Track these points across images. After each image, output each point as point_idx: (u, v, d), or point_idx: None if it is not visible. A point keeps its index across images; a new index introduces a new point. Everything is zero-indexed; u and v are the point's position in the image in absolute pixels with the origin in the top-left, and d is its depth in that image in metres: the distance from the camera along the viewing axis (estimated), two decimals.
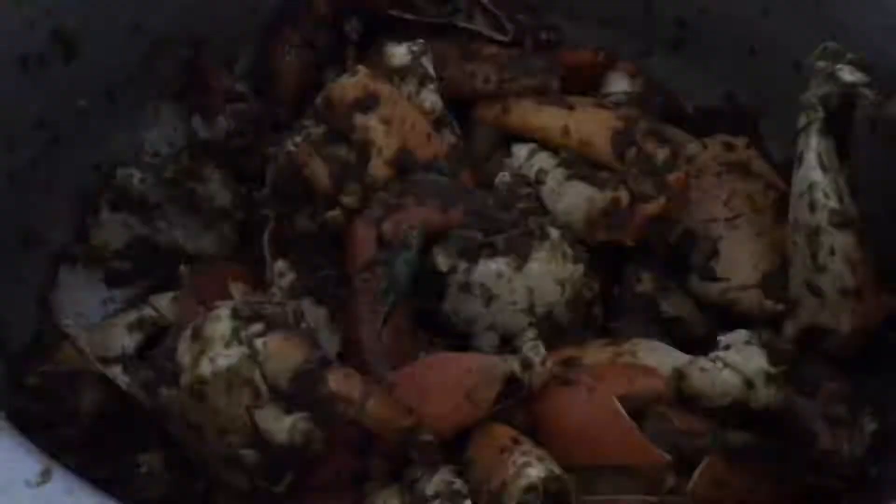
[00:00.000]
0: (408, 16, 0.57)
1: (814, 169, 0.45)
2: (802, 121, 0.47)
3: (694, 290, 0.51)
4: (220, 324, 0.35)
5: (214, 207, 0.54)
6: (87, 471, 0.40)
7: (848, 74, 0.44)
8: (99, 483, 0.40)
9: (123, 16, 0.51)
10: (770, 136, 0.59)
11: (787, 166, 0.52)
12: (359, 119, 0.48)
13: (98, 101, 0.52)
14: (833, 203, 0.45)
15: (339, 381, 0.35)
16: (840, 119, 0.46)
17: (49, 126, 0.48)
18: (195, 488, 0.41)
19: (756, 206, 0.52)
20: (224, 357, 0.34)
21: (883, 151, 0.46)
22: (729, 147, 0.56)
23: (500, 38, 0.57)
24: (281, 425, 0.34)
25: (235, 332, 0.35)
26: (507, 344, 0.47)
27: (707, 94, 0.61)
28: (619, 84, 0.57)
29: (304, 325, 0.37)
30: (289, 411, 0.34)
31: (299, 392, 0.34)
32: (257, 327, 0.35)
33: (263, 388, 0.34)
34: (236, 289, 0.36)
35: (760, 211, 0.52)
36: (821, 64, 0.46)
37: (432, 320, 0.47)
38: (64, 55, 0.47)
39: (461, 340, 0.47)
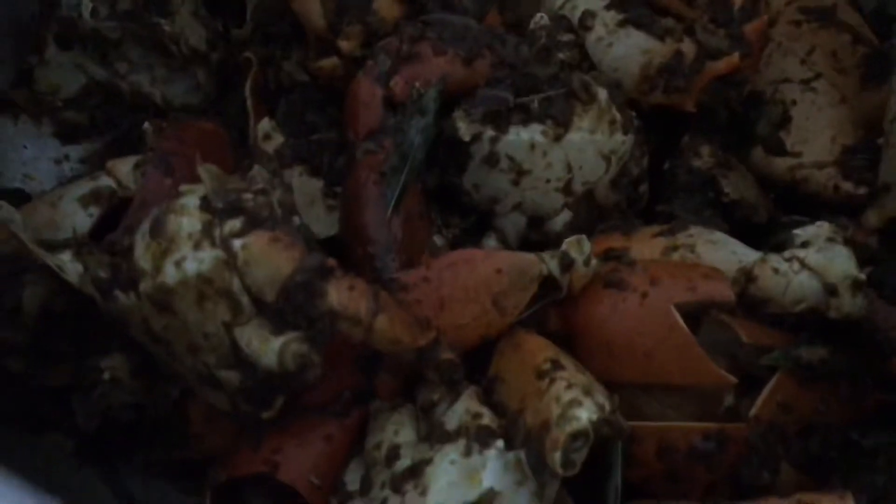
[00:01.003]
0: None
1: None
2: None
3: (756, 166, 0.45)
4: (188, 218, 0.27)
5: (185, 47, 0.46)
6: (38, 378, 0.34)
7: None
8: (57, 395, 0.34)
9: None
10: None
11: (880, 12, 0.46)
12: None
13: None
14: None
15: (341, 295, 0.27)
16: None
17: None
18: (168, 393, 0.35)
19: (840, 66, 0.46)
20: (193, 261, 0.27)
21: None
22: None
23: None
24: (268, 346, 0.27)
25: (207, 230, 0.27)
26: (537, 228, 0.41)
27: None
28: None
29: (295, 218, 0.29)
30: (278, 330, 0.27)
31: (291, 307, 0.27)
32: (235, 224, 0.27)
33: (245, 300, 0.27)
34: (208, 171, 0.28)
35: (845, 72, 0.45)
36: None
37: (448, 196, 0.41)
38: None
39: (480, 221, 0.41)
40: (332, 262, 0.28)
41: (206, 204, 0.27)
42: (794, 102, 0.45)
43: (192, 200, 0.28)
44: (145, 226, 0.28)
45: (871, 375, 0.39)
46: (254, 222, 0.27)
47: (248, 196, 0.28)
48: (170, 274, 0.28)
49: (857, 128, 0.44)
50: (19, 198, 0.43)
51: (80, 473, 0.37)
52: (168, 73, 0.47)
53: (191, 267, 0.28)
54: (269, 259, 0.28)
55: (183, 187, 0.28)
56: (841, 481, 0.37)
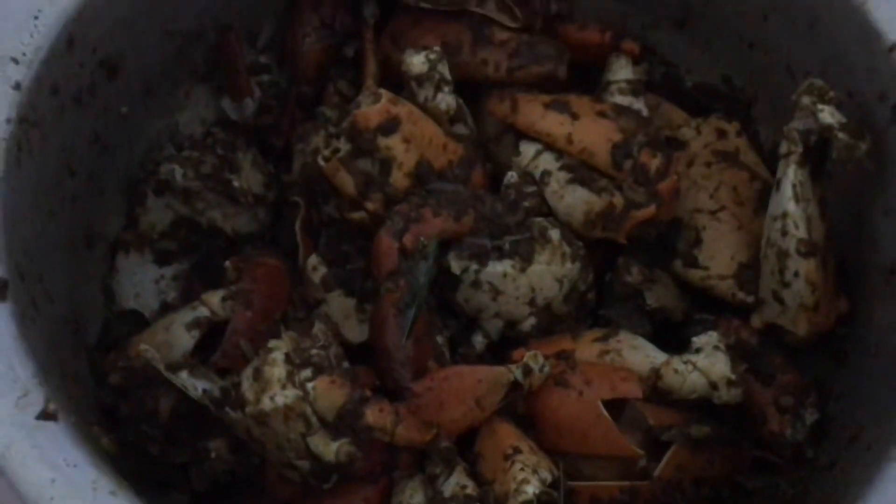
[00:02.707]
0: (423, 3, 0.60)
1: (789, 200, 0.51)
2: (784, 148, 0.52)
3: (676, 273, 0.57)
4: (277, 368, 0.43)
5: (250, 196, 0.58)
6: (167, 457, 0.50)
7: (828, 116, 0.48)
8: (179, 467, 0.50)
9: (155, 29, 0.54)
10: (761, 119, 0.63)
11: (773, 151, 0.56)
12: (382, 141, 0.53)
13: (136, 102, 0.56)
14: (802, 234, 0.50)
15: (375, 415, 0.43)
16: (818, 150, 0.51)
17: (99, 139, 0.53)
18: (252, 461, 0.50)
19: (739, 199, 0.57)
20: (281, 397, 0.42)
21: (851, 177, 0.51)
22: (721, 133, 0.61)
23: (510, 23, 0.60)
24: (329, 449, 0.43)
25: (290, 376, 0.42)
26: (511, 328, 0.55)
27: (706, 74, 0.64)
28: (622, 72, 0.60)
29: (345, 364, 0.44)
30: (335, 438, 0.43)
31: (343, 424, 0.43)
32: (307, 373, 0.43)
33: (314, 420, 0.43)
34: (288, 336, 0.43)
35: (743, 203, 0.57)
36: (805, 100, 0.50)
37: (446, 306, 0.54)
38: (108, 77, 0.51)
39: (469, 323, 0.55)
40: (368, 393, 0.43)
41: (288, 359, 0.43)
42: (704, 227, 0.56)
43: (279, 356, 0.43)
44: (249, 371, 0.44)
45: (749, 438, 0.54)
46: (319, 370, 0.43)
47: (315, 352, 0.43)
48: (266, 403, 0.43)
49: (751, 248, 0.55)
50: (134, 316, 0.57)
51: None
52: (235, 210, 0.59)
53: (280, 400, 0.42)
54: (329, 394, 0.43)
55: (271, 344, 0.44)
56: None
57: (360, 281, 0.55)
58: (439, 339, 0.54)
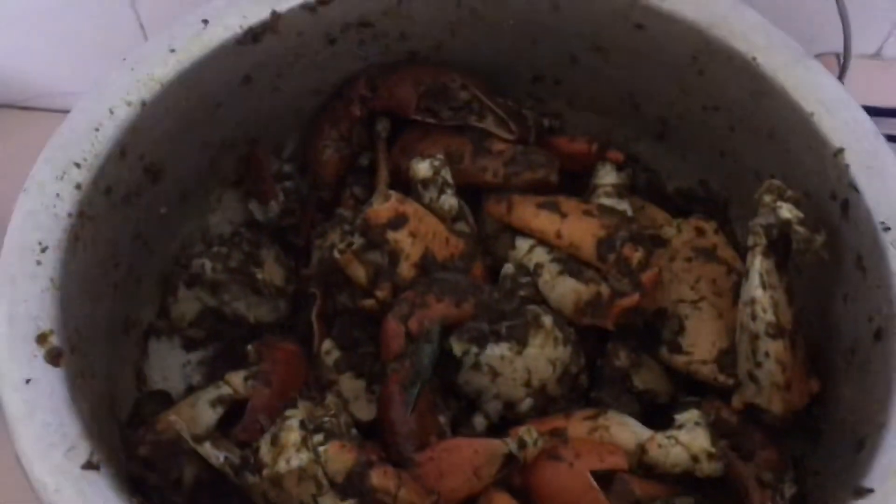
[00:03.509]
0: (429, 119, 0.67)
1: (756, 287, 0.56)
2: (750, 241, 0.57)
3: (663, 359, 0.61)
4: (292, 433, 0.48)
5: (272, 287, 0.64)
6: None
7: (786, 212, 0.54)
8: None
9: (196, 139, 0.61)
10: (737, 218, 0.69)
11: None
12: (391, 235, 0.59)
13: (175, 204, 0.63)
14: (770, 317, 0.55)
15: (379, 478, 0.47)
16: (781, 242, 0.56)
17: (141, 236, 0.60)
18: None
19: (718, 290, 0.62)
20: (296, 459, 0.47)
21: (812, 266, 0.56)
22: (700, 231, 0.66)
23: (506, 136, 0.67)
24: None
25: (304, 441, 0.47)
26: (510, 409, 0.60)
27: (685, 179, 0.71)
28: (608, 177, 0.67)
29: (353, 430, 0.49)
30: (343, 498, 0.47)
31: (351, 485, 0.47)
32: (319, 437, 0.47)
33: (325, 482, 0.47)
34: (303, 406, 0.49)
35: (721, 294, 0.62)
36: (766, 198, 0.56)
37: (448, 388, 0.59)
38: (152, 182, 0.58)
39: (470, 404, 0.59)
40: (374, 457, 0.48)
41: (302, 425, 0.48)
42: (686, 317, 0.60)
43: (294, 423, 0.48)
44: (268, 437, 0.49)
45: None
46: (330, 436, 0.48)
47: (326, 419, 0.48)
48: (282, 466, 0.47)
49: (731, 335, 0.59)
50: (161, 396, 0.61)
51: None
52: (257, 301, 0.64)
53: (294, 462, 0.47)
54: (339, 458, 0.47)
55: (288, 412, 0.49)
56: None
57: (370, 364, 0.60)
58: (441, 418, 0.58)
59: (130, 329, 0.61)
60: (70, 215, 0.49)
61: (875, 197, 0.51)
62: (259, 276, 0.65)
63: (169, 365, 0.63)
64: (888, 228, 0.50)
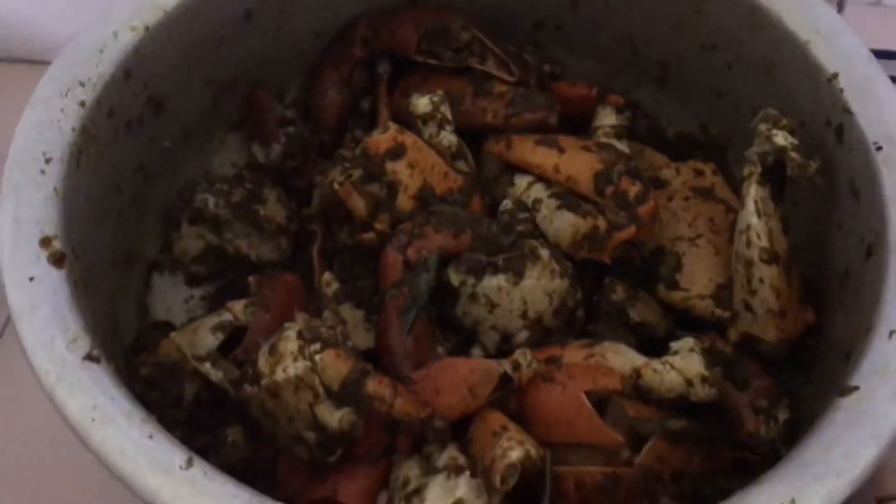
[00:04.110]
0: (430, 61, 0.68)
1: (751, 214, 0.56)
2: (745, 171, 0.58)
3: (660, 296, 0.62)
4: (290, 343, 0.48)
5: (273, 224, 0.65)
6: (188, 442, 0.54)
7: (781, 139, 0.55)
8: (198, 451, 0.54)
9: (199, 74, 0.62)
10: (736, 162, 0.69)
11: None
12: (390, 165, 0.60)
13: (177, 139, 0.64)
14: (764, 243, 0.56)
15: (375, 386, 0.48)
16: (775, 171, 0.57)
17: (144, 168, 0.61)
18: (265, 454, 0.55)
19: (715, 228, 0.63)
20: (293, 368, 0.48)
21: (807, 196, 0.57)
22: (698, 173, 0.67)
23: (507, 78, 0.68)
24: (333, 417, 0.47)
25: (301, 350, 0.48)
26: (507, 341, 0.60)
27: (685, 124, 0.71)
28: (607, 119, 0.68)
29: (349, 342, 0.50)
30: (339, 407, 0.48)
31: (346, 393, 0.48)
32: (316, 346, 0.48)
33: (321, 390, 0.48)
34: (301, 316, 0.49)
35: (719, 232, 0.62)
36: (761, 126, 0.57)
37: (446, 321, 0.59)
38: (155, 112, 0.59)
39: (469, 337, 0.60)
40: (369, 366, 0.49)
41: (300, 335, 0.49)
42: (684, 254, 0.61)
43: (292, 333, 0.49)
44: (266, 347, 0.49)
45: (727, 440, 0.58)
46: (326, 344, 0.48)
47: (323, 330, 0.49)
48: (279, 375, 0.48)
49: (727, 271, 0.60)
50: (165, 326, 0.63)
51: None
52: (260, 239, 0.65)
53: (291, 371, 0.47)
54: (335, 366, 0.48)
55: (286, 325, 0.50)
56: None
57: (369, 296, 0.61)
58: (440, 349, 0.59)
59: (134, 262, 0.62)
60: (73, 130, 0.50)
61: (868, 119, 0.51)
62: (261, 212, 0.65)
63: (172, 299, 0.64)
64: (880, 148, 0.50)
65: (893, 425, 0.42)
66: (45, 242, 0.46)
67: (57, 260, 0.45)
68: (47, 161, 0.48)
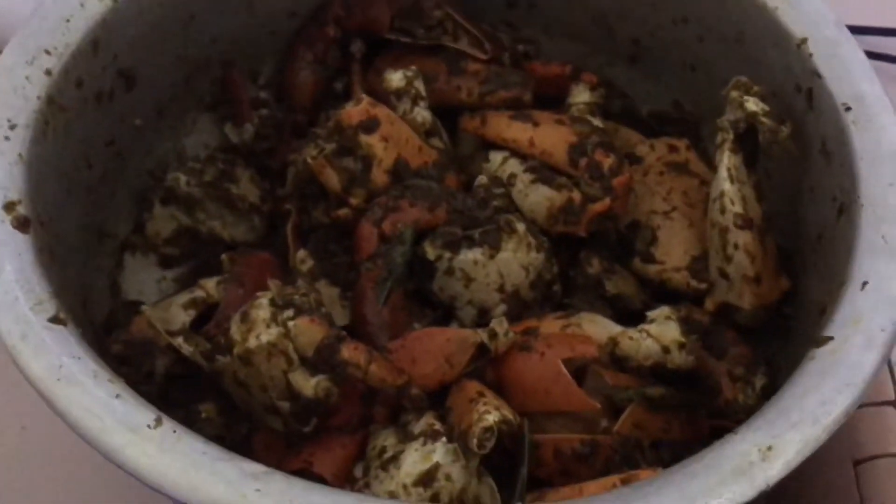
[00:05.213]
0: (403, 39, 0.68)
1: (724, 180, 0.57)
2: (719, 138, 0.58)
3: (636, 270, 0.62)
4: (262, 310, 0.48)
5: (247, 204, 0.65)
6: None
7: (752, 105, 0.55)
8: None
9: (170, 50, 0.62)
10: (709, 137, 0.69)
11: None
12: (363, 138, 0.59)
13: (150, 118, 0.64)
14: (738, 208, 0.56)
15: (349, 352, 0.47)
16: (748, 139, 0.57)
17: (115, 144, 0.60)
18: (241, 431, 0.54)
19: (690, 202, 0.63)
20: (266, 335, 0.47)
21: (779, 164, 0.57)
22: (672, 148, 0.67)
23: (481, 56, 0.68)
24: (308, 384, 0.47)
25: (274, 316, 0.47)
26: (484, 315, 0.60)
27: (658, 101, 0.71)
28: (581, 96, 0.68)
29: (322, 309, 0.49)
30: (313, 374, 0.47)
31: (321, 360, 0.47)
32: (289, 312, 0.47)
33: (295, 357, 0.47)
34: (273, 283, 0.49)
35: (693, 205, 0.63)
36: (733, 94, 0.57)
37: (423, 297, 0.59)
38: (126, 87, 0.58)
39: (446, 312, 0.59)
40: (344, 333, 0.48)
41: (273, 302, 0.48)
42: (659, 227, 0.61)
43: (264, 301, 0.48)
44: (238, 315, 0.49)
45: (705, 408, 0.58)
46: (299, 311, 0.48)
47: (297, 297, 0.48)
48: (251, 342, 0.47)
49: (702, 243, 0.60)
50: (135, 305, 0.63)
51: None
52: (233, 219, 0.64)
53: (264, 338, 0.47)
54: (308, 332, 0.47)
55: (258, 294, 0.49)
56: None
57: (344, 273, 0.60)
58: (416, 325, 0.59)
59: (104, 240, 0.61)
60: (39, 98, 0.49)
61: (837, 81, 0.52)
62: (234, 191, 0.65)
63: (144, 279, 0.64)
64: (849, 108, 0.51)
65: (867, 373, 0.42)
66: (8, 207, 0.45)
67: (21, 224, 0.45)
68: (11, 127, 0.47)
